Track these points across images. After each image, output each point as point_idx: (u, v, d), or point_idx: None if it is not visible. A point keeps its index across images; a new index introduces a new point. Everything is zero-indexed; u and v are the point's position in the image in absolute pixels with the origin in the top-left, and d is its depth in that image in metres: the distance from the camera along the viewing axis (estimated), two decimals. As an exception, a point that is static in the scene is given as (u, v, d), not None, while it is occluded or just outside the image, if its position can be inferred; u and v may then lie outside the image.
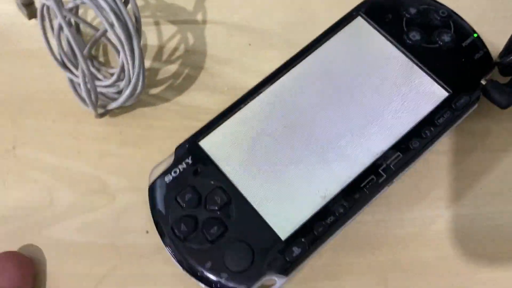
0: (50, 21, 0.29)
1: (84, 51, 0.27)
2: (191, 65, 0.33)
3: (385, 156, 0.27)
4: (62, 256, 0.28)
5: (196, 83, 0.33)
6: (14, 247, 0.29)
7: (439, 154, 0.30)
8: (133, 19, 0.28)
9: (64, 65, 0.31)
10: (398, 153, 0.27)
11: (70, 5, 0.27)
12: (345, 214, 0.26)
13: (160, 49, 0.34)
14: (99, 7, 0.26)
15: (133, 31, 0.26)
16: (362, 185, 0.26)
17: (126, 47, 0.27)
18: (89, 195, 0.30)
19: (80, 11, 0.34)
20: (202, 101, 0.32)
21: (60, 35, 0.29)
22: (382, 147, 0.27)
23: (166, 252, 0.28)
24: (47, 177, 0.30)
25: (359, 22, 0.31)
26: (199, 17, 0.34)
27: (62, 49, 0.30)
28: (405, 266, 0.27)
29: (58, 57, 0.30)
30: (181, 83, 0.33)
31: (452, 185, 0.29)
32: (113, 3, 0.26)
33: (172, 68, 0.33)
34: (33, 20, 0.34)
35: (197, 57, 0.33)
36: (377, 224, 0.28)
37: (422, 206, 0.29)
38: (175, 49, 0.34)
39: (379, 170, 0.27)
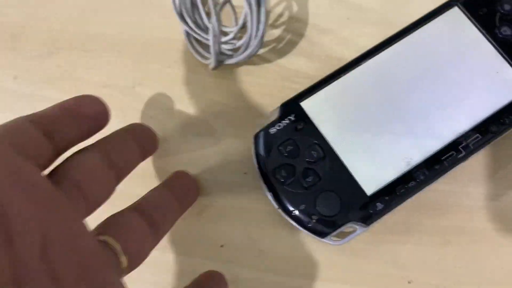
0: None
1: (217, 7, 0.31)
2: (293, 32, 0.37)
3: (466, 135, 0.31)
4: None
5: (296, 49, 0.36)
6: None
7: (508, 139, 0.33)
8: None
9: (182, 18, 0.35)
10: (478, 134, 0.31)
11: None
12: (424, 181, 0.30)
13: (267, 13, 0.37)
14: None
15: (262, -3, 0.30)
16: (443, 158, 0.30)
17: (253, 10, 0.30)
18: (197, 136, 0.35)
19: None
20: (300, 66, 0.36)
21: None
22: (464, 127, 0.31)
23: (261, 192, 0.32)
24: (161, 115, 0.35)
25: (455, 12, 0.34)
26: (304, -13, 0.38)
27: (184, 3, 0.34)
28: (467, 233, 0.32)
29: (178, 9, 0.35)
30: (283, 47, 0.37)
31: (517, 169, 0.33)
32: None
33: (276, 32, 0.37)
34: (156, -26, 0.38)
35: (299, 24, 0.37)
36: (447, 194, 0.32)
37: (489, 184, 0.33)
38: (280, 15, 0.37)
39: (459, 147, 0.30)
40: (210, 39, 0.32)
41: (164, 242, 0.32)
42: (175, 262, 0.32)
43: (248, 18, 0.31)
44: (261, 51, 0.36)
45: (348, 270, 0.31)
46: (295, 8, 0.37)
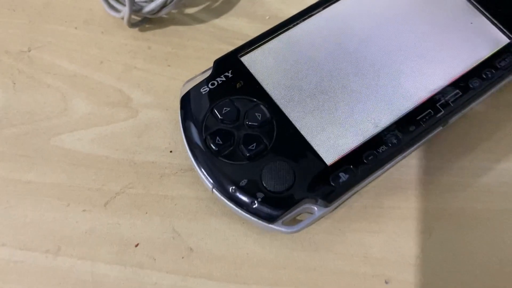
0: None
1: None
2: (232, -10, 0.31)
3: (444, 91, 0.25)
4: (71, 167, 0.25)
5: (236, 8, 0.30)
6: (19, 152, 0.25)
7: (490, 107, 0.28)
8: None
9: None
10: (457, 90, 0.25)
11: None
12: (398, 147, 0.23)
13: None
14: None
15: None
16: (418, 117, 0.24)
17: None
18: (108, 107, 0.27)
19: None
20: (240, 27, 0.30)
21: None
22: (440, 83, 0.25)
23: (190, 175, 0.25)
24: (63, 84, 0.27)
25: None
26: None
27: None
28: (452, 216, 0.25)
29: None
30: (220, 6, 0.30)
31: (502, 139, 0.27)
32: None
33: (211, -10, 0.31)
34: None
35: (239, -18, 0.31)
36: (424, 169, 0.26)
37: (472, 157, 0.26)
38: (216, -28, 0.31)
39: (437, 105, 0.24)
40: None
41: (54, 239, 0.23)
42: (70, 269, 0.23)
43: None
44: (194, 9, 0.30)
45: (305, 269, 0.23)
46: (233, -35, 0.32)
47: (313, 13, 0.27)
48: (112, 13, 0.28)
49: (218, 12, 0.30)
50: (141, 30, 0.29)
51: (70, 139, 0.26)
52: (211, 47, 0.29)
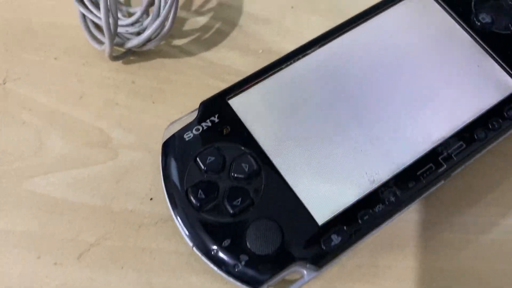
0: None
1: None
2: (224, 20, 0.29)
3: (446, 143, 0.23)
4: (43, 214, 0.23)
5: (227, 41, 0.28)
6: (-14, 196, 0.24)
7: (497, 156, 0.26)
8: None
9: (77, -3, 0.26)
10: (462, 142, 0.23)
11: None
12: (396, 205, 0.22)
13: (190, -3, 0.29)
14: None
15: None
16: (418, 173, 0.22)
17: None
18: (86, 148, 0.25)
19: None
20: (231, 61, 0.28)
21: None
22: (443, 133, 0.23)
23: (171, 225, 0.23)
24: (39, 120, 0.25)
25: (422, -3, 0.27)
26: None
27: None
28: (453, 277, 0.23)
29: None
30: (210, 38, 0.28)
31: (509, 191, 0.25)
32: None
33: (202, 20, 0.29)
34: None
35: (232, 12, 0.29)
36: (423, 224, 0.24)
37: (475, 211, 0.25)
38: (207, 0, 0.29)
39: (439, 159, 0.23)
40: (101, 11, 0.23)
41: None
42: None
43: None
44: (182, 40, 0.28)
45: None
46: (226, -8, 0.30)
47: (308, 51, 0.25)
48: (95, 44, 0.26)
49: (208, 44, 0.28)
50: (125, 63, 0.27)
51: (43, 183, 0.24)
52: (200, 82, 0.27)
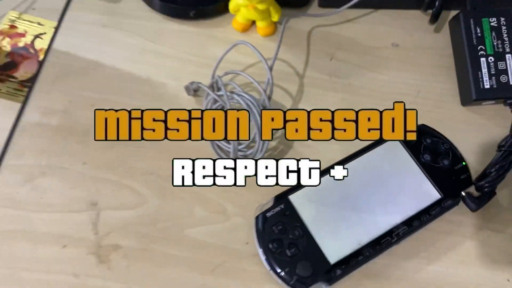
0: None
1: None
2: (284, 143, 0.52)
3: (397, 227, 0.46)
4: (195, 250, 0.47)
5: (288, 156, 0.52)
6: (166, 236, 0.48)
7: (429, 230, 0.48)
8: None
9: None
10: (405, 226, 0.46)
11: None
12: (369, 256, 0.45)
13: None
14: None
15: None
16: (382, 241, 0.45)
17: (257, 139, 0.46)
18: (214, 213, 0.49)
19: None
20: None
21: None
22: (395, 221, 0.46)
23: (258, 257, 0.46)
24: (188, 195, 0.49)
25: (394, 143, 0.50)
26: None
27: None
28: (397, 294, 0.46)
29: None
30: (277, 155, 0.52)
31: (434, 250, 0.48)
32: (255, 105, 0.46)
33: (272, 143, 0.53)
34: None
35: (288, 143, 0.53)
36: (386, 266, 0.47)
37: (414, 259, 0.47)
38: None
39: (393, 235, 0.45)
40: (230, 149, 0.47)
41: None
42: (193, 305, 0.45)
43: (257, 138, 0.46)
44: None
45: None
46: (287, 127, 0.53)
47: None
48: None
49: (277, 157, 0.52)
50: (232, 168, 0.51)
51: (194, 231, 0.48)
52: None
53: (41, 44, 0.61)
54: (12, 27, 0.62)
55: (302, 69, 0.57)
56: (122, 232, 0.48)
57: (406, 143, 0.50)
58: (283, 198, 0.47)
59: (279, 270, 0.44)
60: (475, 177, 0.49)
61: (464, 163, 0.49)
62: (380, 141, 0.50)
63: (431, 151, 0.50)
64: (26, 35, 0.61)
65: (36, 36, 0.61)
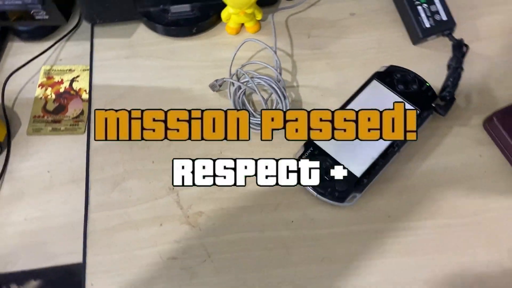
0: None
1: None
2: (296, 107, 0.69)
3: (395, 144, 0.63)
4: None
5: (300, 115, 0.68)
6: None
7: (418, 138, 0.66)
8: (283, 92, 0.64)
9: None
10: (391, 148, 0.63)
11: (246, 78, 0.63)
12: (382, 165, 0.61)
13: (279, 100, 0.69)
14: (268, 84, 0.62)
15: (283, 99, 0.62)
16: (387, 152, 0.62)
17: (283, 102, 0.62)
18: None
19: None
20: (304, 124, 0.68)
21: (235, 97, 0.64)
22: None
23: (305, 190, 0.62)
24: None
25: (375, 83, 0.67)
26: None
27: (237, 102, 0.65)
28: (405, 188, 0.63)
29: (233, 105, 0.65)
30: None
31: (424, 150, 0.65)
32: (277, 86, 0.62)
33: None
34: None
35: (298, 103, 0.69)
36: (395, 171, 0.64)
37: (413, 162, 0.64)
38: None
39: (394, 145, 0.62)
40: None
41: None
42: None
43: (280, 99, 0.62)
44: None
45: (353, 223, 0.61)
46: (293, 95, 0.70)
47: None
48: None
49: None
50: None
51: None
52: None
53: (78, 85, 0.74)
54: (49, 78, 0.75)
55: (290, 50, 0.73)
56: (200, 202, 0.62)
57: (383, 81, 0.67)
58: (310, 143, 0.63)
59: (323, 192, 0.60)
60: (438, 92, 0.67)
61: (428, 84, 0.67)
62: (365, 84, 0.67)
63: (402, 82, 0.67)
64: (63, 81, 0.74)
65: (72, 80, 0.74)
